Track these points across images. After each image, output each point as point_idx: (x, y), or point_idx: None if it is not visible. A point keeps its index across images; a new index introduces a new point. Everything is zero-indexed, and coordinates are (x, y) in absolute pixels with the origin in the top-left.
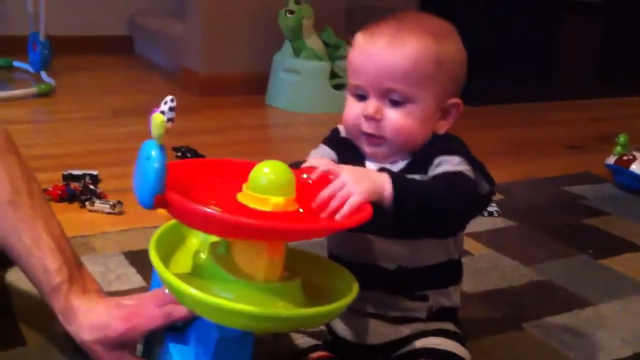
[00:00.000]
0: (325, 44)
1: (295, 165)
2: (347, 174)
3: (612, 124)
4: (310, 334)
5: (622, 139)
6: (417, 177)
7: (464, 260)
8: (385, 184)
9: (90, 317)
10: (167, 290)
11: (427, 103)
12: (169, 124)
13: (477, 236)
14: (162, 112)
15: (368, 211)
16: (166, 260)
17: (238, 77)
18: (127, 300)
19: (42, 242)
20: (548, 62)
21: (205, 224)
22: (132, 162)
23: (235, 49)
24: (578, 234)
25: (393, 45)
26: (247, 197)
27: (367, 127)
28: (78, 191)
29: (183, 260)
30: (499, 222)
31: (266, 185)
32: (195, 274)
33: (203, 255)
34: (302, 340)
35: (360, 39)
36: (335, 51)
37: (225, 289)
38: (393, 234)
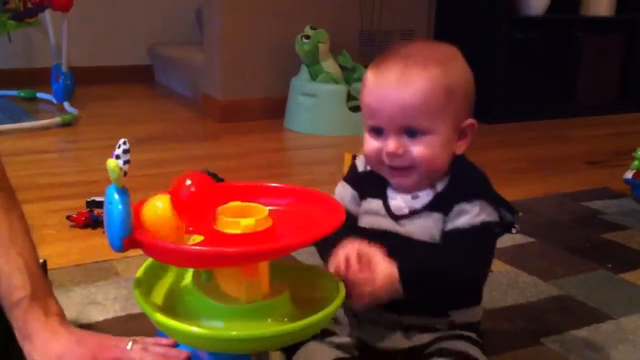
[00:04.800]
0: (342, 67)
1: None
2: (379, 282)
3: (632, 139)
4: (339, 346)
5: (639, 153)
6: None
7: None
8: (397, 289)
9: (48, 344)
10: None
11: (445, 131)
12: (126, 167)
13: (496, 252)
14: (117, 157)
15: (339, 218)
16: (150, 291)
17: (257, 103)
18: (89, 338)
19: (12, 262)
20: (568, 80)
21: (172, 258)
22: (155, 188)
23: (254, 75)
24: (597, 248)
25: (404, 84)
26: (219, 222)
27: (391, 162)
28: (101, 217)
29: (164, 291)
30: (518, 239)
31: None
32: (182, 305)
33: (188, 285)
34: (328, 352)
35: (370, 78)
36: (351, 74)
37: (213, 316)
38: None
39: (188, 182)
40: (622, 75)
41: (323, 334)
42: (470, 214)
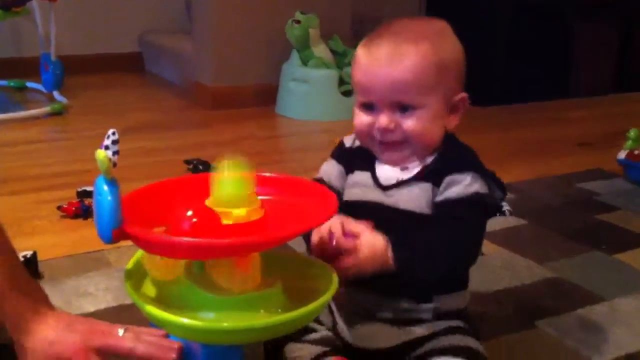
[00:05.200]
0: (333, 51)
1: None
2: (363, 252)
3: (624, 120)
4: (319, 342)
5: (632, 133)
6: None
7: None
8: (386, 260)
9: (38, 331)
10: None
11: (436, 105)
12: (115, 158)
13: (490, 235)
14: (106, 147)
15: (332, 208)
16: (141, 283)
17: (249, 89)
18: (79, 323)
19: None
20: (560, 62)
21: (163, 250)
22: (146, 178)
23: (245, 62)
24: (591, 230)
25: (395, 60)
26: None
27: (384, 137)
28: (92, 207)
29: (155, 282)
30: (511, 221)
31: (226, 199)
32: (173, 296)
33: (179, 277)
34: (310, 350)
35: (361, 55)
36: (343, 58)
37: (205, 308)
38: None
39: (189, 212)
40: (617, 57)
41: (299, 333)
42: (461, 184)
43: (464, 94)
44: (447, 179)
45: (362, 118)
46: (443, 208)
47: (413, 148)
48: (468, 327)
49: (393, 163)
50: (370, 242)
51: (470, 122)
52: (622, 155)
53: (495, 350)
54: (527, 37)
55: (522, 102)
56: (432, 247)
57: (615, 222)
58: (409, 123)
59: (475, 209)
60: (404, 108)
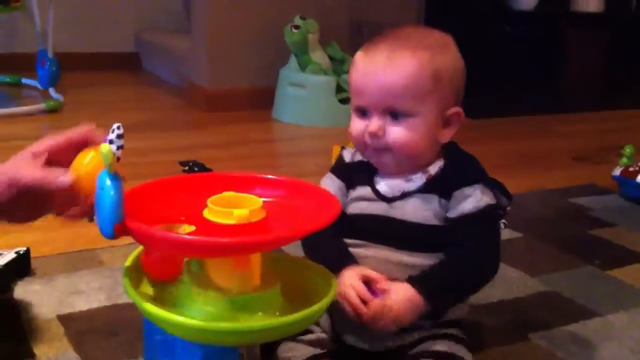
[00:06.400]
0: (331, 58)
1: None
2: (396, 307)
3: (617, 136)
4: (314, 343)
5: (627, 150)
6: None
7: None
8: (421, 305)
9: None
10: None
11: (429, 115)
12: (119, 152)
13: None
14: (111, 141)
15: (334, 211)
16: (139, 281)
17: (244, 92)
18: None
19: None
20: (553, 75)
21: (164, 247)
22: (140, 177)
23: (241, 64)
24: (584, 245)
25: (391, 65)
26: (212, 212)
27: (371, 142)
28: None
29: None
30: (506, 234)
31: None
32: (171, 295)
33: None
34: (303, 351)
35: (359, 58)
36: (340, 65)
37: (202, 307)
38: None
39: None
40: (608, 71)
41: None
42: (473, 198)
43: (458, 109)
44: (457, 193)
45: (356, 124)
46: (458, 225)
47: (394, 157)
48: (462, 336)
49: (387, 171)
50: (401, 296)
51: (462, 133)
52: (617, 171)
53: None
54: (522, 44)
55: (513, 113)
56: (459, 277)
57: (608, 238)
58: (396, 132)
59: (489, 222)
60: (395, 115)
